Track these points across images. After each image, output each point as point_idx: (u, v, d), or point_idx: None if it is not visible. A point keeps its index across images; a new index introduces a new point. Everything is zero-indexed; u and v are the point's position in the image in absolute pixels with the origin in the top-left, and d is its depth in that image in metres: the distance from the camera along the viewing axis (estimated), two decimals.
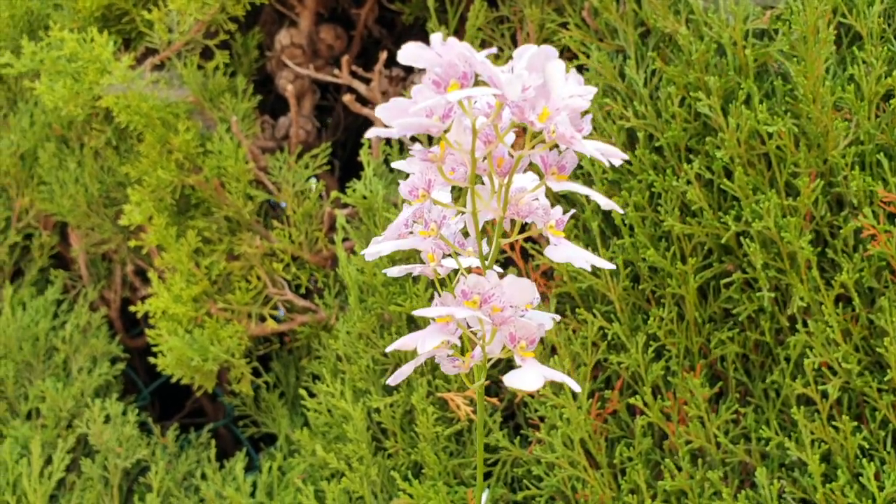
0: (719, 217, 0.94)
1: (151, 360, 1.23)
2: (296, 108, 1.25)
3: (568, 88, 0.48)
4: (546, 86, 0.48)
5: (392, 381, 0.55)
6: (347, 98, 1.18)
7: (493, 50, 0.51)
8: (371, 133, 0.49)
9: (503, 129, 0.50)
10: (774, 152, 0.93)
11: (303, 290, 1.26)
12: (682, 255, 0.97)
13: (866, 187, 0.89)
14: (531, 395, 1.01)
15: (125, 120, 1.20)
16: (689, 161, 0.97)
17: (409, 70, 1.23)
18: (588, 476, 0.96)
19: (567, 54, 1.09)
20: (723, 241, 0.94)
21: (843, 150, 0.91)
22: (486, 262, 0.54)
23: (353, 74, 1.22)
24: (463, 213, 0.53)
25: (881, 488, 0.85)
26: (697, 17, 0.98)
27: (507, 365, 0.55)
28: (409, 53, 0.47)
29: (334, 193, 1.19)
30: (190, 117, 1.24)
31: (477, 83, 0.48)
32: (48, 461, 1.24)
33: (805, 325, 0.91)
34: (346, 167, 1.37)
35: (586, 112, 0.50)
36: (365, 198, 1.10)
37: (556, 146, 0.51)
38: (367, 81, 1.22)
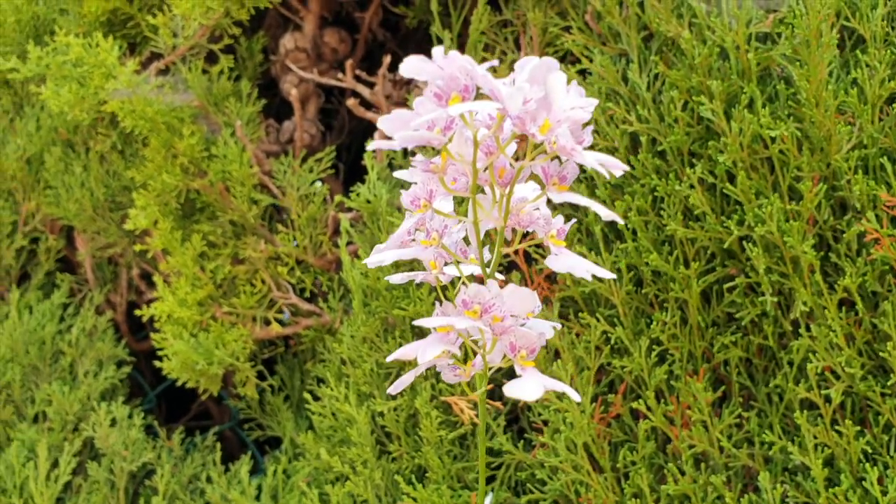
0: (722, 221, 0.94)
1: (157, 363, 1.24)
2: (300, 112, 1.25)
3: (569, 100, 0.48)
4: (547, 98, 0.48)
5: (392, 389, 0.56)
6: (351, 102, 1.19)
7: (495, 63, 0.51)
8: (373, 146, 0.50)
9: (504, 141, 0.51)
10: (777, 156, 0.93)
11: (307, 294, 1.26)
12: (685, 260, 0.97)
13: (869, 191, 0.89)
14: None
15: (130, 124, 1.21)
16: (692, 165, 0.97)
17: None
18: (591, 480, 0.96)
19: (570, 58, 1.09)
20: (726, 245, 0.94)
21: (846, 153, 0.91)
22: (488, 271, 0.54)
23: (357, 78, 1.22)
24: (464, 222, 0.54)
25: (884, 493, 0.85)
26: (700, 21, 0.98)
27: (511, 369, 0.56)
28: (411, 67, 0.48)
29: (338, 197, 1.19)
30: (194, 122, 1.25)
31: (479, 95, 0.49)
32: (55, 464, 1.24)
33: (808, 329, 0.91)
34: (350, 170, 1.38)
35: (587, 123, 0.50)
36: (369, 202, 1.11)
37: (558, 157, 0.51)
38: (370, 85, 1.22)
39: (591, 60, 1.04)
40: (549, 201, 0.54)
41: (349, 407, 1.06)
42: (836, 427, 0.89)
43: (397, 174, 0.54)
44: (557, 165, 0.52)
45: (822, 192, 0.90)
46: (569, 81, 1.09)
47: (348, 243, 1.14)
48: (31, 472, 1.21)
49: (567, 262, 0.52)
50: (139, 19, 1.29)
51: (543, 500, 0.99)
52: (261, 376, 1.30)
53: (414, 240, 0.54)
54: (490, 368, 0.55)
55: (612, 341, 0.97)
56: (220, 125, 1.25)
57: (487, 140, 0.51)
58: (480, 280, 0.55)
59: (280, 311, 1.25)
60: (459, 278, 0.56)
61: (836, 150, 0.91)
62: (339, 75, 1.23)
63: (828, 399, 0.90)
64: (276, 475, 1.19)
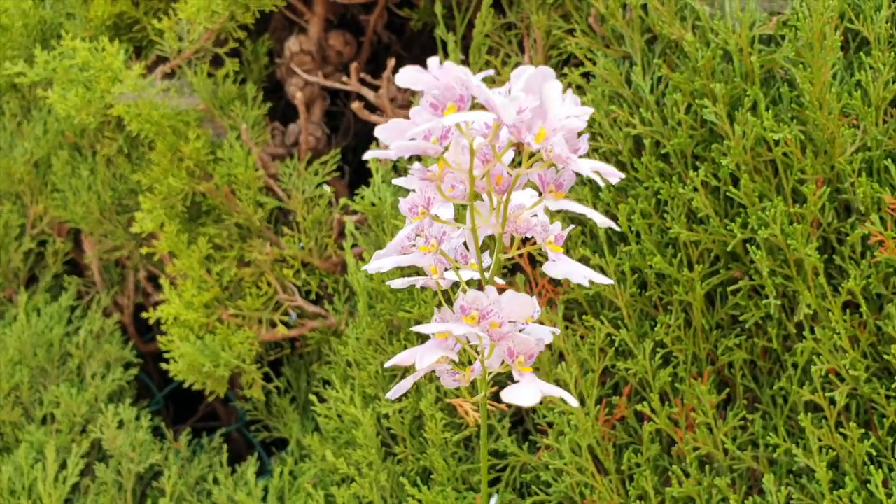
0: (726, 224, 0.94)
1: (164, 365, 1.24)
2: (305, 115, 1.26)
3: (565, 109, 0.48)
4: (543, 106, 0.48)
5: (392, 395, 0.56)
6: (356, 105, 1.19)
7: (490, 72, 0.52)
8: (369, 155, 0.50)
9: (501, 149, 0.51)
10: (781, 159, 0.93)
11: (313, 297, 1.26)
12: (689, 262, 0.97)
13: (873, 194, 0.89)
14: (539, 401, 1.02)
15: (136, 128, 1.22)
16: (696, 168, 0.97)
17: None
18: (596, 482, 0.96)
19: (574, 61, 1.09)
20: (729, 248, 0.94)
21: (850, 156, 0.90)
22: (487, 277, 0.55)
23: (362, 81, 1.22)
24: (463, 228, 0.54)
25: (889, 495, 0.85)
26: (704, 24, 0.98)
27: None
28: (406, 77, 0.48)
29: (343, 200, 1.19)
30: (200, 125, 1.25)
31: (476, 105, 0.49)
32: (63, 466, 1.25)
33: (812, 331, 0.91)
34: (357, 172, 1.38)
35: (583, 131, 0.50)
36: (373, 205, 1.11)
37: (555, 164, 0.52)
38: (375, 88, 1.22)
39: (594, 63, 1.04)
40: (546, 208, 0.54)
41: (354, 409, 1.07)
42: (841, 429, 0.89)
43: (396, 181, 0.55)
44: (554, 173, 0.52)
45: (826, 194, 0.90)
46: (573, 84, 1.09)
47: (353, 246, 1.14)
48: (40, 474, 1.22)
49: (564, 267, 0.52)
50: (145, 23, 1.29)
51: (548, 502, 0.99)
52: (267, 378, 1.30)
53: (414, 245, 0.54)
54: (490, 373, 0.56)
55: (617, 344, 0.98)
56: (225, 128, 1.26)
57: (484, 148, 0.51)
58: (482, 286, 0.55)
59: (286, 314, 1.26)
60: (464, 283, 0.56)
61: (839, 153, 0.91)
62: (344, 78, 1.23)
63: (832, 401, 0.90)
64: (283, 476, 1.19)
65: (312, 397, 1.15)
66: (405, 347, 1.06)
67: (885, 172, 0.91)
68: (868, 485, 0.86)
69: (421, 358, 0.51)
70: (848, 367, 0.89)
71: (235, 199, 1.25)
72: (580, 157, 0.50)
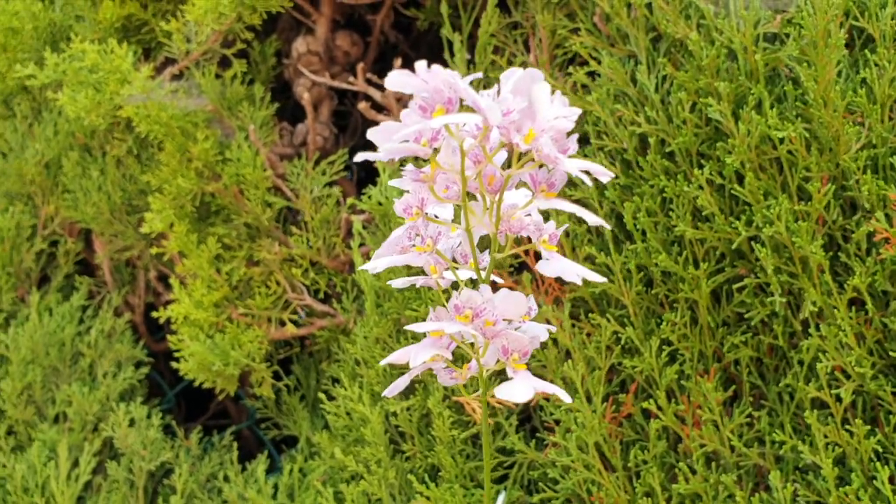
0: (731, 222, 0.95)
1: (174, 364, 1.25)
2: (312, 115, 1.26)
3: (553, 110, 0.49)
4: (532, 108, 0.49)
5: (388, 392, 0.57)
6: (363, 105, 1.20)
7: (479, 75, 0.52)
8: (360, 157, 0.51)
9: (492, 150, 0.51)
10: (786, 157, 0.93)
11: (321, 295, 1.27)
12: (695, 260, 0.97)
13: (879, 191, 0.89)
14: (546, 399, 1.02)
15: (145, 129, 1.23)
16: (701, 166, 0.98)
17: None
18: (603, 479, 0.96)
19: (579, 60, 1.09)
20: (734, 245, 0.94)
21: (855, 153, 0.91)
22: (483, 276, 0.55)
23: (369, 81, 1.23)
24: (458, 228, 0.54)
25: (895, 492, 0.85)
26: (708, 22, 0.98)
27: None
28: (395, 81, 0.49)
29: (350, 200, 1.20)
30: (209, 126, 1.26)
31: (466, 108, 0.50)
32: (75, 464, 1.26)
33: (818, 328, 0.91)
34: (365, 171, 1.39)
35: (572, 132, 0.51)
36: (380, 204, 1.12)
37: (545, 164, 0.52)
38: (382, 88, 1.23)
39: (599, 62, 1.04)
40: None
41: (363, 407, 1.08)
42: (847, 426, 0.89)
43: (392, 183, 0.55)
44: (546, 173, 0.53)
45: (831, 192, 0.90)
46: (578, 83, 1.09)
47: (361, 245, 1.15)
48: (52, 472, 1.23)
49: (557, 266, 0.53)
50: (153, 25, 1.30)
51: (556, 499, 1.00)
52: (277, 376, 1.31)
53: (414, 245, 0.55)
54: (487, 371, 0.56)
55: (623, 341, 0.98)
56: (233, 129, 1.27)
57: (475, 149, 0.52)
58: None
59: (294, 312, 1.27)
60: (462, 282, 0.57)
61: (844, 151, 0.91)
62: (351, 78, 1.24)
63: (838, 398, 0.90)
64: (293, 474, 1.20)
65: (321, 395, 1.16)
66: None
67: (891, 170, 0.91)
68: (874, 481, 0.87)
69: (415, 356, 0.52)
70: (854, 364, 0.89)
71: (244, 199, 1.26)
72: (569, 157, 0.51)
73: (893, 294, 0.90)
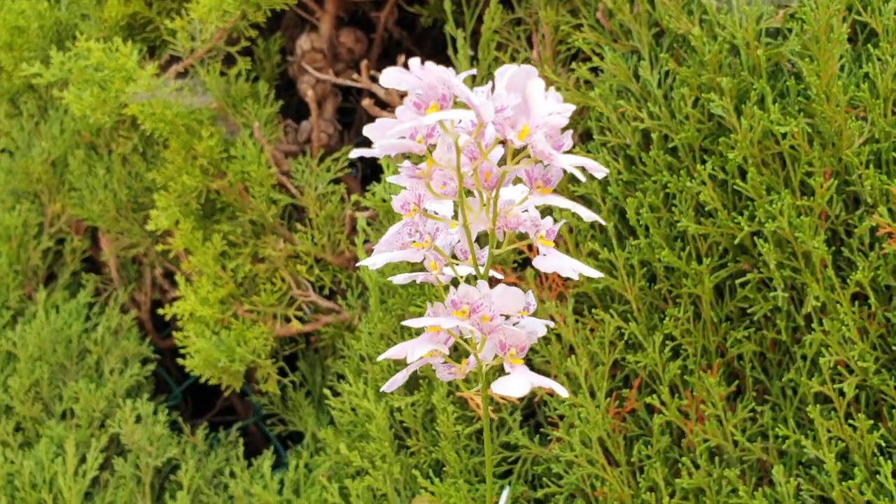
0: (733, 217, 0.95)
1: (181, 361, 1.26)
2: (317, 112, 1.27)
3: (547, 106, 0.49)
4: (526, 104, 0.49)
5: (387, 387, 0.57)
6: (366, 102, 1.20)
7: (473, 72, 0.53)
8: (354, 154, 0.51)
9: (487, 146, 0.52)
10: (788, 152, 0.93)
11: (326, 292, 1.28)
12: (698, 255, 0.97)
13: (882, 186, 0.89)
14: (549, 394, 1.03)
15: (150, 127, 1.23)
16: (703, 162, 0.98)
17: None
18: (607, 474, 0.97)
19: (582, 55, 1.09)
20: (737, 241, 0.94)
21: (857, 148, 0.90)
22: (482, 272, 0.56)
23: (373, 78, 1.23)
24: (457, 224, 0.55)
25: None
26: (711, 18, 0.98)
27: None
28: (390, 77, 0.49)
29: (355, 196, 1.20)
30: (213, 123, 1.27)
31: (461, 104, 0.50)
32: (82, 460, 1.27)
33: (821, 323, 0.91)
34: (371, 168, 1.39)
35: (567, 128, 0.51)
36: (384, 200, 1.12)
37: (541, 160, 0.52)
38: None
39: (602, 58, 1.05)
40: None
41: (368, 402, 1.08)
42: (850, 421, 0.89)
43: (390, 179, 0.56)
44: (541, 169, 0.53)
45: (834, 187, 0.90)
46: (581, 78, 1.09)
47: (365, 242, 1.15)
48: (60, 468, 1.24)
49: (554, 261, 0.53)
50: (158, 23, 1.31)
51: (560, 494, 1.00)
52: (283, 372, 1.32)
53: (415, 241, 0.55)
54: (486, 366, 0.57)
55: (626, 337, 0.98)
56: (238, 126, 1.27)
57: (471, 145, 0.52)
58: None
59: (300, 309, 1.27)
60: (461, 278, 0.57)
61: (847, 145, 0.91)
62: (355, 75, 1.24)
63: (841, 393, 0.90)
64: (298, 469, 1.21)
65: (326, 391, 1.16)
66: None
67: (894, 164, 0.91)
68: (877, 476, 0.87)
69: (412, 351, 0.52)
70: (857, 358, 0.89)
71: (249, 197, 1.26)
72: (564, 153, 0.51)
73: None
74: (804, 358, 0.93)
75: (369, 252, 1.17)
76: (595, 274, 0.54)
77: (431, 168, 0.52)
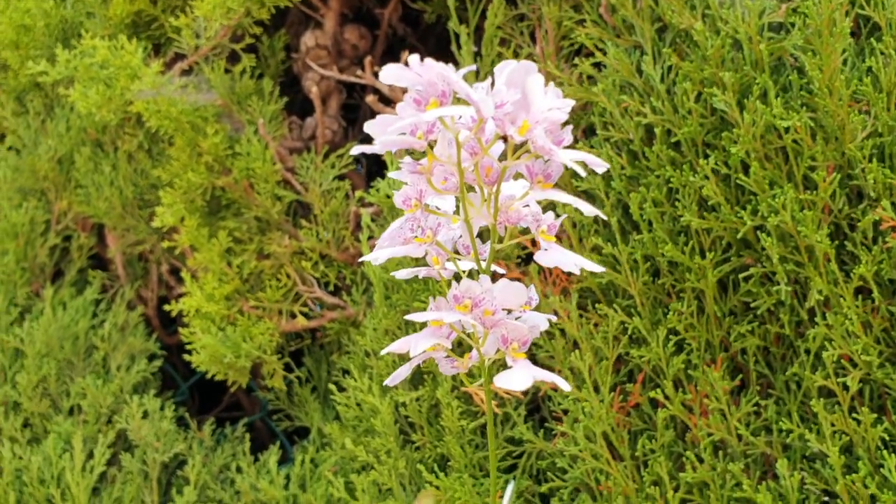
0: (737, 212, 0.95)
1: (187, 357, 1.27)
2: (321, 108, 1.27)
3: (547, 101, 0.49)
4: (526, 99, 0.49)
5: (390, 381, 0.58)
6: (370, 99, 1.20)
7: (473, 67, 0.53)
8: (356, 150, 0.51)
9: (488, 141, 0.52)
10: (791, 146, 0.93)
11: (331, 288, 1.28)
12: (701, 250, 0.98)
13: (885, 179, 0.89)
14: (554, 389, 1.03)
15: (155, 124, 1.24)
16: (706, 156, 0.98)
17: None
18: (611, 468, 0.97)
19: (585, 51, 1.10)
20: (740, 235, 0.94)
21: (860, 142, 0.90)
22: (484, 267, 0.56)
23: (377, 75, 1.24)
24: (458, 219, 0.55)
25: None
26: (713, 12, 0.98)
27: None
28: (390, 74, 0.49)
29: (359, 193, 1.21)
30: (218, 120, 1.27)
31: (459, 100, 0.50)
32: (90, 456, 1.28)
33: (825, 317, 0.91)
34: (375, 164, 1.39)
35: (570, 123, 0.51)
36: (388, 196, 1.12)
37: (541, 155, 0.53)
38: None
39: (605, 53, 1.05)
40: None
41: (373, 398, 1.09)
42: (854, 414, 0.89)
43: (392, 174, 0.56)
44: (542, 164, 0.53)
45: (837, 181, 0.90)
46: (584, 74, 1.09)
47: (369, 238, 1.15)
48: (68, 464, 1.24)
49: (555, 256, 0.53)
50: (163, 21, 1.31)
51: (564, 488, 1.00)
52: (289, 368, 1.32)
53: (415, 236, 0.56)
54: (489, 360, 0.57)
55: (630, 331, 0.98)
56: (243, 123, 1.28)
57: (471, 141, 0.52)
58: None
59: (305, 305, 1.28)
60: (463, 273, 0.57)
61: (850, 139, 0.91)
62: (359, 72, 1.25)
63: (845, 386, 0.90)
64: (304, 464, 1.22)
65: (332, 387, 1.17)
66: None
67: None
68: (881, 469, 0.87)
69: (415, 345, 0.53)
70: (860, 352, 0.89)
71: (254, 193, 1.27)
72: (564, 147, 0.51)
73: None
74: (808, 352, 0.93)
75: (373, 248, 1.17)
76: (597, 269, 0.55)
77: (432, 164, 0.52)
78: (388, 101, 1.24)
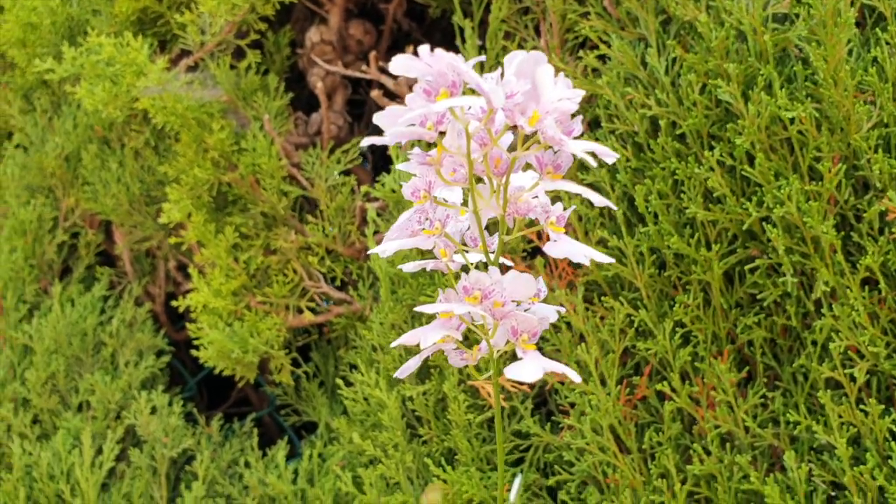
0: (742, 203, 0.95)
1: (194, 352, 1.27)
2: (326, 104, 1.27)
3: (557, 92, 0.49)
4: (536, 90, 0.49)
5: (399, 374, 0.58)
6: (375, 94, 1.20)
7: (482, 58, 0.53)
8: (366, 142, 0.51)
9: (497, 132, 0.52)
10: (796, 137, 0.93)
11: (338, 283, 1.28)
12: (707, 242, 0.97)
13: (890, 170, 0.89)
14: (561, 382, 1.03)
15: (161, 121, 1.24)
16: (712, 148, 0.98)
17: None
18: (618, 461, 0.97)
19: (589, 44, 1.09)
20: (745, 226, 0.94)
21: (866, 132, 0.90)
22: (492, 259, 0.56)
23: (381, 69, 1.24)
24: (466, 211, 0.55)
25: None
26: (717, 4, 0.98)
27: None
28: (400, 65, 0.49)
29: (365, 188, 1.21)
30: (224, 116, 1.28)
31: (470, 91, 0.50)
32: (99, 451, 1.28)
33: (831, 308, 0.91)
34: (381, 159, 1.40)
35: (576, 114, 0.51)
36: (394, 191, 1.13)
37: (551, 146, 0.53)
38: (395, 76, 1.24)
39: (609, 46, 1.05)
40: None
41: (380, 392, 1.09)
42: (861, 406, 0.89)
43: (400, 166, 0.56)
44: (552, 154, 0.53)
45: (842, 171, 0.90)
46: (588, 66, 1.09)
47: (375, 232, 1.16)
48: (77, 459, 1.25)
49: (565, 247, 0.53)
50: (168, 17, 1.31)
51: (571, 481, 1.00)
52: (296, 363, 1.33)
53: (423, 228, 0.56)
54: (497, 352, 0.57)
55: (636, 324, 0.98)
56: (248, 119, 1.28)
57: (481, 132, 0.52)
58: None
59: (311, 300, 1.28)
60: (472, 264, 0.57)
61: (855, 130, 0.91)
62: (364, 67, 1.25)
63: (852, 378, 0.90)
64: (312, 459, 1.22)
65: (339, 381, 1.17)
66: None
67: None
68: (889, 461, 0.87)
69: (425, 337, 0.53)
70: (867, 343, 0.89)
71: (260, 189, 1.27)
72: (574, 138, 0.51)
73: None
74: (815, 343, 0.93)
75: (380, 243, 1.17)
76: (606, 259, 0.55)
77: (442, 155, 0.52)
78: (394, 96, 1.24)
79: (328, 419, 1.28)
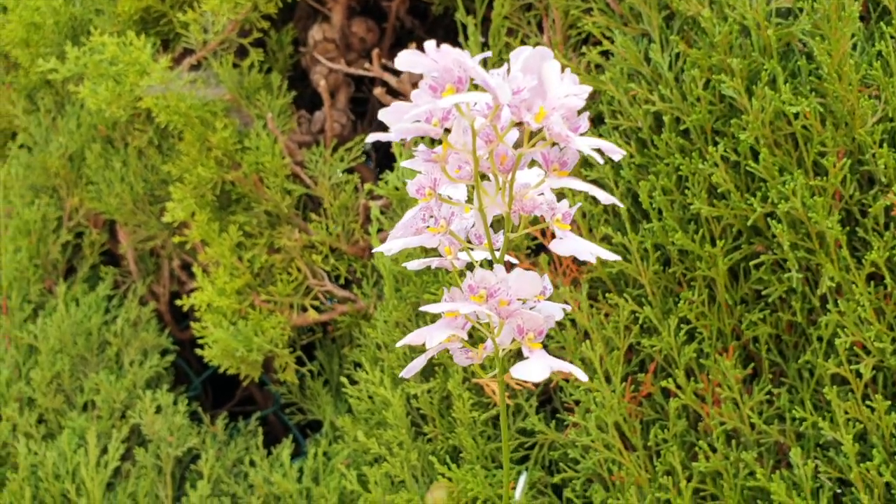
0: (746, 199, 0.94)
1: (199, 351, 1.27)
2: (329, 102, 1.27)
3: (563, 88, 0.49)
4: (542, 86, 0.49)
5: (405, 373, 0.57)
6: (378, 91, 1.20)
7: (488, 54, 0.53)
8: (371, 138, 0.51)
9: (503, 128, 0.52)
10: (801, 132, 0.92)
11: (342, 281, 1.28)
12: (711, 238, 0.97)
13: (895, 164, 0.88)
14: (566, 380, 1.03)
15: (165, 120, 1.24)
16: (716, 143, 0.97)
17: None
18: (623, 458, 0.97)
19: (592, 40, 1.09)
20: (750, 222, 0.94)
21: (871, 127, 0.90)
22: (497, 257, 0.56)
23: (384, 67, 1.24)
24: (472, 208, 0.55)
25: None
26: None
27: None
28: (406, 60, 0.49)
29: (368, 185, 1.21)
30: (227, 115, 1.28)
31: (477, 87, 0.50)
32: (104, 451, 1.28)
33: (837, 304, 0.91)
34: (385, 157, 1.40)
35: (583, 110, 0.51)
36: (397, 189, 1.12)
37: (557, 143, 0.52)
38: (398, 74, 1.23)
39: (612, 41, 1.04)
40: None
41: (384, 390, 1.09)
42: (868, 402, 0.89)
43: (404, 164, 0.56)
44: (558, 151, 0.53)
45: (847, 166, 0.90)
46: (592, 62, 1.09)
47: (379, 230, 1.16)
48: (82, 459, 1.25)
49: (571, 245, 0.53)
50: (171, 16, 1.31)
51: (576, 479, 1.00)
52: (301, 362, 1.33)
53: (428, 226, 0.56)
54: (503, 350, 0.57)
55: (641, 321, 0.98)
56: (252, 118, 1.28)
57: (486, 128, 0.52)
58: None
59: (315, 298, 1.28)
60: (477, 262, 0.57)
61: (860, 124, 0.90)
62: (367, 65, 1.25)
63: (858, 374, 0.90)
64: (317, 457, 1.22)
65: (344, 380, 1.17)
66: None
67: None
68: (895, 457, 0.86)
69: (430, 337, 0.52)
70: (873, 339, 0.88)
71: (263, 187, 1.27)
72: (580, 135, 0.51)
73: None
74: (820, 339, 0.93)
75: (383, 240, 1.17)
76: (612, 257, 0.54)
77: (447, 151, 0.52)
78: (397, 94, 1.24)
79: (333, 417, 1.28)
